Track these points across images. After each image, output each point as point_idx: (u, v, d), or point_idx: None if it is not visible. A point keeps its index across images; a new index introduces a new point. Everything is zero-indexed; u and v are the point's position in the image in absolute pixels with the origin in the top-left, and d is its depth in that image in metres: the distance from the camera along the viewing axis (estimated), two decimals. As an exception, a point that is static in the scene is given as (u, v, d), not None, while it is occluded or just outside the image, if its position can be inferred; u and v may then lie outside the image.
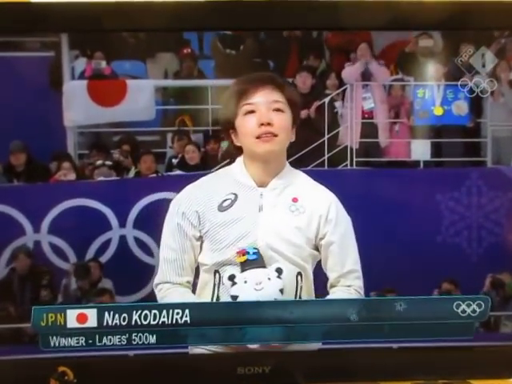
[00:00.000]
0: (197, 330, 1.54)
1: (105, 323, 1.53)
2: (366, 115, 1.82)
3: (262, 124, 1.51)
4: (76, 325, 1.53)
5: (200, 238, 1.56)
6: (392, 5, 1.57)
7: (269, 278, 1.51)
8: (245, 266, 1.51)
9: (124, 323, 1.53)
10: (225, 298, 1.53)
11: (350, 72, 1.78)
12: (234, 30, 1.71)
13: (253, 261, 1.51)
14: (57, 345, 1.53)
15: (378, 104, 1.82)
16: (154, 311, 1.52)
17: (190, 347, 1.59)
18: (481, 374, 1.61)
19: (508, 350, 1.68)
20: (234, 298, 1.52)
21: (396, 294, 1.72)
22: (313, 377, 1.57)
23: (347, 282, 1.58)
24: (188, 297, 1.56)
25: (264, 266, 1.52)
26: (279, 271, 1.51)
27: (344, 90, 1.80)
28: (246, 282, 1.51)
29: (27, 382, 1.57)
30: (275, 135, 1.52)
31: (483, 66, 1.68)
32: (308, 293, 1.58)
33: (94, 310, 1.53)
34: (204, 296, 1.56)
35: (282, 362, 1.58)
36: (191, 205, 1.56)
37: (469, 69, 1.69)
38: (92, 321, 1.53)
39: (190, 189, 1.59)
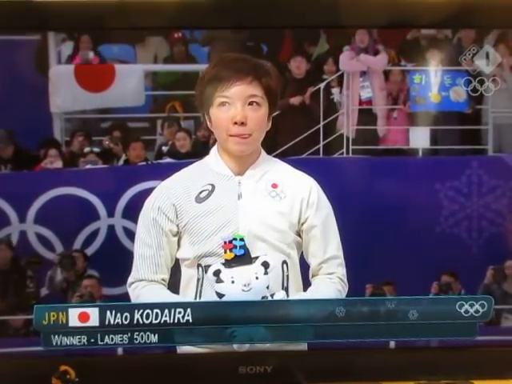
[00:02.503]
0: (199, 330, 1.52)
1: (107, 322, 1.51)
2: (364, 104, 1.78)
3: (236, 123, 1.47)
4: (78, 324, 1.52)
5: (177, 234, 1.53)
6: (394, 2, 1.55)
7: (256, 277, 1.48)
8: (231, 262, 1.48)
9: (126, 322, 1.51)
10: (209, 293, 1.50)
11: (344, 60, 1.74)
12: (233, 28, 1.66)
13: (240, 257, 1.48)
14: (59, 343, 1.52)
15: (376, 92, 1.78)
16: (155, 310, 1.50)
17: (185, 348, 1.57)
18: (484, 374, 1.60)
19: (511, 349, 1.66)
20: (220, 296, 1.49)
21: (394, 287, 1.70)
22: (315, 376, 1.56)
23: (329, 268, 1.54)
24: (163, 293, 1.53)
25: (250, 262, 1.48)
26: (266, 265, 1.48)
27: (341, 77, 1.76)
28: (233, 281, 1.48)
29: (29, 380, 1.56)
30: (249, 135, 1.48)
31: (487, 64, 1.65)
32: (296, 284, 1.54)
33: (96, 309, 1.52)
34: (188, 293, 1.53)
35: (284, 362, 1.57)
36: (167, 198, 1.52)
37: (472, 68, 1.66)
38: (94, 320, 1.52)
39: (164, 184, 1.55)
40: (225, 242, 1.48)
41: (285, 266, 1.51)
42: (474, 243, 1.74)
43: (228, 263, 1.48)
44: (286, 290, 1.52)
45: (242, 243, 1.48)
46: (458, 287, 1.73)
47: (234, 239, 1.48)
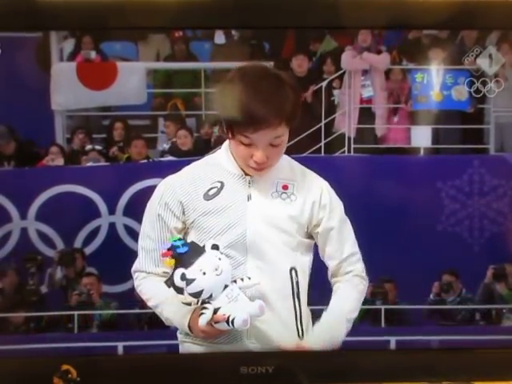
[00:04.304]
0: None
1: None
2: (365, 103, 1.78)
3: (256, 162, 1.44)
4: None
5: (183, 230, 1.50)
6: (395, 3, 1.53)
7: (219, 258, 1.40)
8: (184, 262, 1.38)
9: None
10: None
11: (346, 59, 1.74)
12: (235, 28, 1.67)
13: (186, 253, 1.38)
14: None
15: (377, 91, 1.77)
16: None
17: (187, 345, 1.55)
18: (484, 376, 1.58)
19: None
20: (199, 292, 1.38)
21: (395, 285, 1.69)
22: (316, 377, 1.54)
23: (349, 266, 1.52)
24: (160, 286, 1.46)
25: (203, 250, 1.40)
26: (215, 247, 1.41)
27: (343, 75, 1.76)
28: (204, 273, 1.38)
29: (31, 379, 1.54)
30: (269, 165, 1.46)
31: (490, 65, 1.64)
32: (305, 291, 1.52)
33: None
34: None
35: (286, 362, 1.55)
36: (175, 195, 1.49)
37: (475, 68, 1.65)
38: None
39: (173, 178, 1.52)
40: (164, 252, 1.39)
41: (293, 272, 1.49)
42: (475, 242, 1.74)
43: (184, 264, 1.38)
44: (298, 296, 1.49)
45: (181, 241, 1.40)
46: (458, 286, 1.73)
47: (171, 245, 1.39)
